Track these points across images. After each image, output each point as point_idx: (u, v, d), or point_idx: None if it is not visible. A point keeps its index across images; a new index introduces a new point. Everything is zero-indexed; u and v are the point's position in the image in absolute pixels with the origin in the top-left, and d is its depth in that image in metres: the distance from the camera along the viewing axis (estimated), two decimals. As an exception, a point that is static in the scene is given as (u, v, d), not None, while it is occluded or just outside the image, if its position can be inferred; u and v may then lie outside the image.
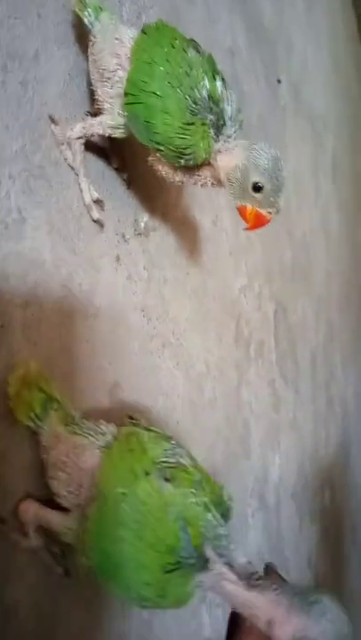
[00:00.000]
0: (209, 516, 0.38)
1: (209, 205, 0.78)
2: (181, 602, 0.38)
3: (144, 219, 0.60)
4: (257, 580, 0.37)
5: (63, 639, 0.45)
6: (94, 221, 0.51)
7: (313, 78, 1.55)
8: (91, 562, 0.39)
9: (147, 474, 0.38)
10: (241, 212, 0.47)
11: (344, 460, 1.65)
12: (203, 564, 0.37)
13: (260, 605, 0.37)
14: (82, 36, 0.50)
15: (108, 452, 0.40)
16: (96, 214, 0.50)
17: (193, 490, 0.39)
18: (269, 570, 0.44)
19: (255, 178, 0.44)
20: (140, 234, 0.59)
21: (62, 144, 0.46)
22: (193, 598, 0.38)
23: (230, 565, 0.38)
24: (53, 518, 0.41)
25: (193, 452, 0.68)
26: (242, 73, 0.96)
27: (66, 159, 0.47)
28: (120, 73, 0.45)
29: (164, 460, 0.40)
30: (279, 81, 1.24)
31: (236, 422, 0.83)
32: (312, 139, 1.47)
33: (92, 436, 0.41)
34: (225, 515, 0.40)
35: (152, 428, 0.43)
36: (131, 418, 0.45)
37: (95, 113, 0.49)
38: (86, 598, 0.47)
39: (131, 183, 0.58)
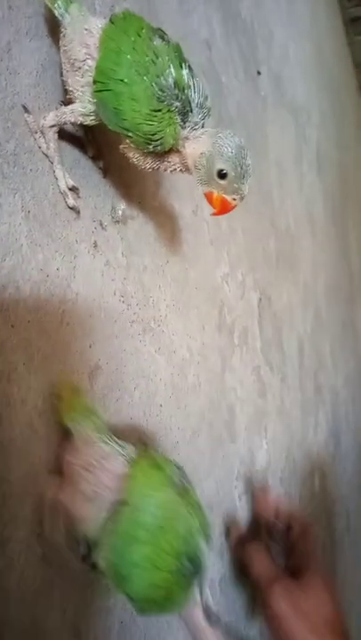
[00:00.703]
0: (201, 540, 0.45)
1: (189, 195, 0.80)
2: (180, 606, 0.45)
3: (121, 207, 0.61)
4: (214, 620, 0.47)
5: (43, 615, 0.46)
6: (70, 208, 0.52)
7: (295, 70, 1.56)
8: (106, 560, 0.43)
9: (168, 486, 0.45)
10: (208, 197, 0.49)
11: (334, 447, 1.68)
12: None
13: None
14: (54, 28, 0.51)
15: (136, 463, 0.46)
16: (72, 201, 0.51)
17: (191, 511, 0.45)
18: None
19: (219, 165, 0.46)
20: (117, 221, 0.60)
21: (36, 132, 0.48)
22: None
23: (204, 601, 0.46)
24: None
25: (177, 435, 0.69)
26: (219, 64, 0.98)
27: (40, 147, 0.49)
28: (89, 62, 0.46)
29: (175, 479, 0.46)
30: (259, 72, 1.25)
31: (220, 407, 0.85)
32: (295, 130, 1.49)
33: (117, 446, 0.47)
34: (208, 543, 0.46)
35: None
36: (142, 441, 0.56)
37: (67, 102, 0.50)
38: (71, 572, 0.49)
39: (107, 172, 0.59)
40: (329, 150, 1.99)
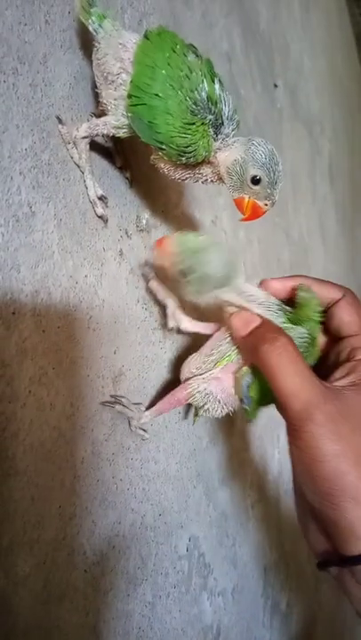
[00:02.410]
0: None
1: (209, 205, 0.81)
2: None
3: (145, 216, 0.62)
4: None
5: (67, 617, 0.46)
6: (98, 216, 0.53)
7: (309, 82, 1.58)
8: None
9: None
10: (238, 203, 0.50)
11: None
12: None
13: None
14: (86, 41, 0.52)
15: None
16: (100, 210, 0.53)
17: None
18: None
19: (253, 171, 0.47)
20: (141, 230, 0.62)
21: (69, 143, 0.49)
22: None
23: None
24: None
25: (195, 442, 0.70)
26: (238, 77, 0.99)
27: (72, 157, 0.50)
28: (123, 76, 0.47)
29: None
30: (276, 85, 1.27)
31: (236, 417, 0.85)
32: (309, 142, 1.50)
33: None
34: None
35: None
36: None
37: (99, 114, 0.51)
38: (93, 576, 0.49)
39: (133, 182, 0.60)
40: (341, 162, 2.00)
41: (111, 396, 0.53)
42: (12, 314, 0.42)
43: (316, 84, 1.69)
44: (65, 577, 0.46)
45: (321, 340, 0.51)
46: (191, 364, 0.54)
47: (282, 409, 0.42)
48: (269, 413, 1.00)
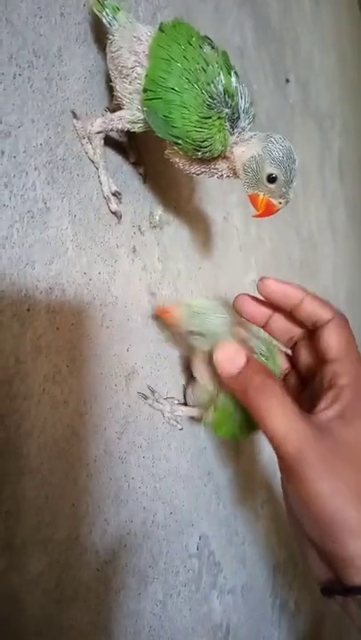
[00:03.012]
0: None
1: (221, 202, 0.80)
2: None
3: (159, 212, 0.62)
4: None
5: (79, 616, 0.46)
6: (112, 212, 0.52)
7: (319, 78, 1.56)
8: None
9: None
10: (252, 199, 0.49)
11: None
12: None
13: None
14: (101, 34, 0.52)
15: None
16: (114, 206, 0.52)
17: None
18: None
19: (270, 169, 0.46)
20: (155, 226, 0.61)
21: (83, 138, 0.48)
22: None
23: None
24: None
25: (205, 441, 0.70)
26: (251, 71, 0.98)
27: (87, 153, 0.49)
28: (138, 70, 0.47)
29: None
30: (288, 80, 1.26)
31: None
32: (319, 137, 1.49)
33: None
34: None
35: None
36: None
37: (114, 109, 0.51)
38: (105, 574, 0.49)
39: (146, 178, 0.59)
40: (351, 157, 1.98)
41: (148, 386, 0.58)
42: (26, 310, 0.41)
43: (326, 79, 1.67)
44: (77, 576, 0.46)
45: (306, 360, 0.52)
46: (192, 397, 0.61)
47: (274, 450, 0.42)
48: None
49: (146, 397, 0.57)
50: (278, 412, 0.42)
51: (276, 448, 0.42)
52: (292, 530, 0.49)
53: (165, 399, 0.60)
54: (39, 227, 0.43)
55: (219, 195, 0.78)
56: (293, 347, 0.52)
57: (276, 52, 1.16)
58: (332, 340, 0.49)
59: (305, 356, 0.52)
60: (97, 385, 0.49)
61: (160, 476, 0.59)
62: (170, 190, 0.65)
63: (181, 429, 0.63)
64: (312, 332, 0.49)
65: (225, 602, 0.75)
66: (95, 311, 0.50)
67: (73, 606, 0.45)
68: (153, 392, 0.59)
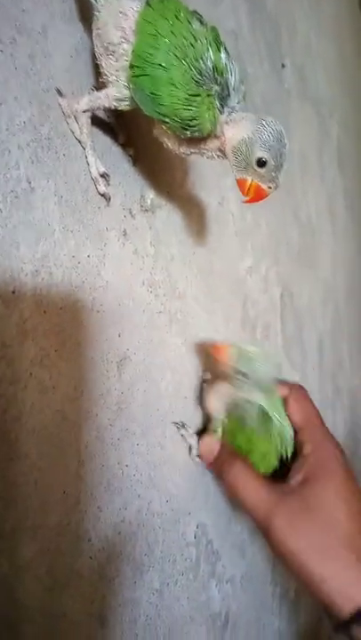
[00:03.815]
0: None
1: (215, 186, 0.79)
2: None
3: (150, 195, 0.61)
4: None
5: (72, 604, 0.46)
6: (101, 194, 0.51)
7: (317, 64, 1.54)
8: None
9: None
10: (240, 184, 0.48)
11: (353, 448, 1.66)
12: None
13: None
14: (87, 12, 0.50)
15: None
16: (102, 188, 0.51)
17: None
18: None
19: (260, 153, 0.45)
20: (146, 210, 0.60)
21: (69, 117, 0.47)
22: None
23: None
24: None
25: (201, 427, 0.69)
26: (245, 55, 0.97)
27: (73, 132, 0.48)
28: (125, 46, 0.45)
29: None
30: (283, 65, 1.24)
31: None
32: (317, 122, 1.47)
33: None
34: None
35: None
36: None
37: (100, 87, 0.49)
38: (99, 562, 0.48)
39: (137, 160, 0.58)
40: (349, 146, 1.96)
41: (180, 421, 0.62)
42: (11, 292, 0.40)
43: (324, 65, 1.65)
44: (70, 563, 0.45)
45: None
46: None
47: (249, 516, 0.54)
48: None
49: (179, 428, 0.62)
50: (246, 487, 0.54)
51: (250, 516, 0.53)
52: None
53: (194, 433, 0.63)
54: (23, 207, 0.42)
55: (213, 178, 0.77)
56: None
57: (271, 36, 1.14)
58: (293, 411, 0.59)
59: None
60: (88, 370, 0.48)
61: (155, 463, 0.58)
62: (162, 173, 0.64)
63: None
64: None
65: (224, 590, 0.74)
66: (85, 295, 0.49)
67: (65, 594, 0.45)
68: (183, 425, 0.62)
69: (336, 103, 1.77)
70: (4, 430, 0.39)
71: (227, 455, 0.57)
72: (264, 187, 0.48)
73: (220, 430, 0.61)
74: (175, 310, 0.65)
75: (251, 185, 0.48)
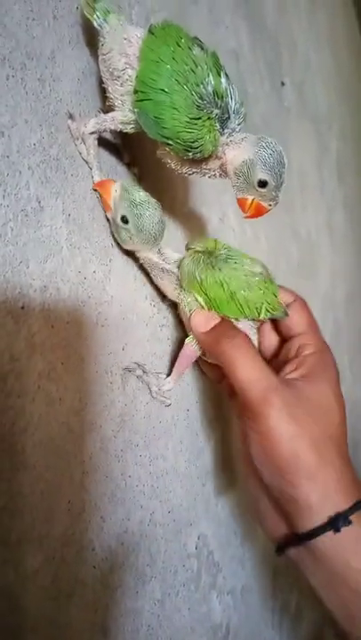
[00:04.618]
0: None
1: (216, 202, 0.81)
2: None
3: (154, 212, 0.62)
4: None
5: (76, 613, 0.46)
6: (107, 212, 0.53)
7: (316, 80, 1.57)
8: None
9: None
10: (241, 203, 0.50)
11: (354, 459, 1.66)
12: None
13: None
14: (94, 37, 0.52)
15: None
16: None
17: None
18: None
19: (261, 175, 0.47)
20: (149, 227, 0.61)
21: (77, 139, 0.49)
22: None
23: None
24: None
25: (202, 440, 0.70)
26: (246, 74, 0.99)
27: (80, 153, 0.50)
28: (129, 71, 0.47)
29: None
30: (283, 83, 1.26)
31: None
32: (316, 139, 1.50)
33: None
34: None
35: None
36: None
37: (107, 110, 0.51)
38: (102, 572, 0.49)
39: (141, 179, 0.60)
40: (349, 160, 1.99)
41: (134, 363, 0.56)
42: (20, 308, 0.42)
43: (323, 81, 1.68)
44: (74, 573, 0.46)
45: (270, 340, 0.59)
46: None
47: (241, 397, 0.48)
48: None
49: (131, 370, 0.55)
50: (247, 362, 0.48)
51: (243, 394, 0.47)
52: (250, 487, 0.54)
53: (153, 373, 0.58)
54: (33, 225, 0.43)
55: (214, 195, 0.79)
56: (258, 330, 0.57)
57: (271, 55, 1.17)
58: (296, 316, 0.57)
59: (268, 338, 0.60)
60: (92, 383, 0.50)
61: (158, 474, 0.59)
62: (165, 191, 0.66)
63: (169, 406, 0.62)
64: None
65: (225, 602, 0.75)
66: (90, 310, 0.50)
67: (70, 603, 0.45)
68: (139, 365, 0.56)
69: (334, 115, 1.80)
70: (12, 442, 0.40)
71: (227, 328, 0.52)
72: (265, 204, 0.50)
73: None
74: (177, 323, 0.66)
75: (252, 203, 0.50)
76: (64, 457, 0.45)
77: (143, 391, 0.58)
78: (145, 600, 0.56)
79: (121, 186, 0.49)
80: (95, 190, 0.52)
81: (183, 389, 0.66)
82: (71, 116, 0.48)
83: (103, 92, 0.52)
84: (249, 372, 0.48)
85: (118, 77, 0.48)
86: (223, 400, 0.77)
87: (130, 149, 0.57)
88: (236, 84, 0.48)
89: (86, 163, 0.50)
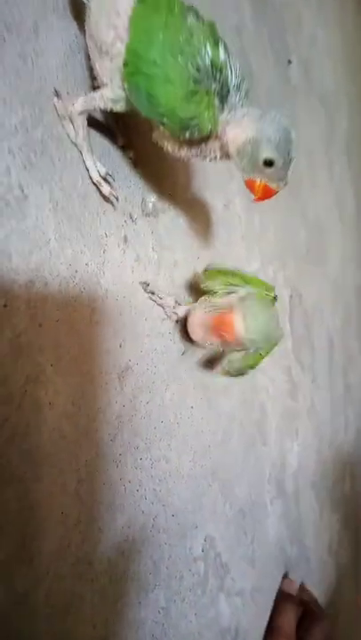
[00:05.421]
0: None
1: (220, 188, 0.76)
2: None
3: (152, 199, 0.58)
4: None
5: (73, 629, 0.43)
6: (105, 197, 0.49)
7: (323, 58, 1.51)
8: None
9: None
10: (249, 185, 0.45)
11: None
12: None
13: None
14: (80, 11, 0.48)
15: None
16: (107, 189, 0.48)
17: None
18: None
19: (266, 154, 0.43)
20: (148, 215, 0.57)
21: (64, 119, 0.45)
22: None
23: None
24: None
25: (208, 437, 0.66)
26: (250, 50, 0.94)
27: (68, 135, 0.46)
28: (118, 45, 0.43)
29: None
30: (290, 61, 1.21)
31: (252, 408, 0.81)
32: (325, 119, 1.44)
33: None
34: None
35: None
36: None
37: (96, 88, 0.47)
38: (101, 584, 0.46)
39: (138, 162, 0.56)
40: (359, 139, 1.92)
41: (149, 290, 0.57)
42: (3, 306, 0.38)
43: (330, 60, 1.61)
44: (69, 588, 0.43)
45: None
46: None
47: None
48: (287, 405, 0.95)
49: (147, 286, 0.56)
50: None
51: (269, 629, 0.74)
52: None
53: (168, 295, 0.59)
54: (16, 216, 0.40)
55: (218, 181, 0.74)
56: None
57: (276, 31, 1.11)
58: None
59: None
60: (87, 384, 0.46)
61: (160, 477, 0.56)
62: (165, 176, 0.61)
63: (183, 354, 0.62)
64: None
65: (233, 604, 0.72)
66: (83, 306, 0.46)
67: (65, 620, 0.43)
68: (147, 285, 0.57)
69: (343, 96, 1.73)
70: (-3, 452, 0.37)
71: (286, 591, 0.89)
72: (273, 185, 0.45)
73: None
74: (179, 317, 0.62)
75: (260, 185, 0.45)
76: (56, 465, 0.42)
77: (143, 390, 0.54)
78: (148, 610, 0.53)
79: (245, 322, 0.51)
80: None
81: (186, 386, 0.62)
82: (57, 94, 0.44)
83: (92, 70, 0.48)
84: (281, 621, 0.80)
85: (107, 52, 0.44)
86: (226, 395, 0.73)
87: (125, 131, 0.53)
88: (239, 61, 0.43)
89: (75, 146, 0.46)
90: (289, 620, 0.82)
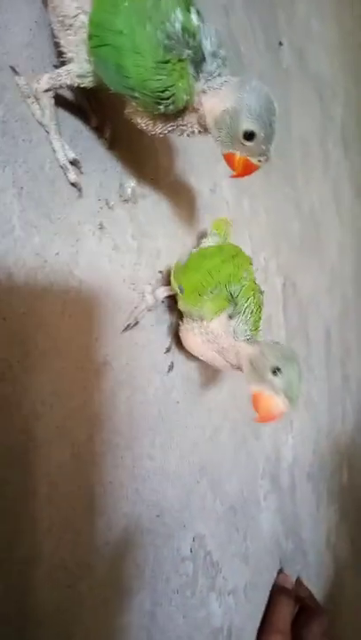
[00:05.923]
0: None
1: (206, 171, 0.73)
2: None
3: (131, 184, 0.55)
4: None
5: (51, 638, 0.41)
6: (71, 184, 0.46)
7: (317, 44, 1.46)
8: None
9: None
10: (228, 159, 0.42)
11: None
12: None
13: None
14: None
15: None
16: (73, 176, 0.46)
17: None
18: None
19: (246, 125, 0.40)
20: (126, 200, 0.54)
21: (29, 97, 0.42)
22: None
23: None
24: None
25: (196, 433, 0.64)
26: (238, 32, 0.90)
27: (34, 114, 0.43)
28: (82, 17, 0.40)
29: None
30: (281, 43, 1.17)
31: (243, 401, 0.79)
32: (320, 106, 1.40)
33: None
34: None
35: None
36: None
37: (64, 64, 0.44)
38: (78, 592, 0.44)
39: (115, 144, 0.53)
40: (355, 129, 1.88)
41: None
42: None
43: (325, 46, 1.57)
44: (43, 597, 0.40)
45: None
46: None
47: None
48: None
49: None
50: None
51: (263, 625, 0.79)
52: None
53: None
54: (-26, 201, 0.37)
55: (204, 163, 0.71)
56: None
57: (267, 13, 1.08)
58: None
59: None
60: (59, 381, 0.43)
61: (143, 476, 0.54)
62: (144, 159, 0.58)
63: (167, 351, 0.59)
64: None
65: (225, 604, 0.70)
66: (54, 298, 0.44)
67: (39, 633, 0.40)
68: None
69: (339, 83, 1.69)
70: None
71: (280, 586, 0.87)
72: (253, 160, 0.42)
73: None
74: (163, 308, 0.59)
75: (239, 160, 0.42)
76: (25, 469, 0.39)
77: (123, 386, 0.51)
78: (132, 615, 0.51)
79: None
80: None
81: (172, 380, 0.60)
82: (16, 72, 0.41)
83: (58, 47, 0.44)
84: (276, 617, 0.79)
85: (70, 26, 0.40)
86: (216, 389, 0.71)
87: (99, 110, 0.50)
88: (226, 41, 0.40)
89: (42, 125, 0.43)
90: (284, 615, 0.79)
